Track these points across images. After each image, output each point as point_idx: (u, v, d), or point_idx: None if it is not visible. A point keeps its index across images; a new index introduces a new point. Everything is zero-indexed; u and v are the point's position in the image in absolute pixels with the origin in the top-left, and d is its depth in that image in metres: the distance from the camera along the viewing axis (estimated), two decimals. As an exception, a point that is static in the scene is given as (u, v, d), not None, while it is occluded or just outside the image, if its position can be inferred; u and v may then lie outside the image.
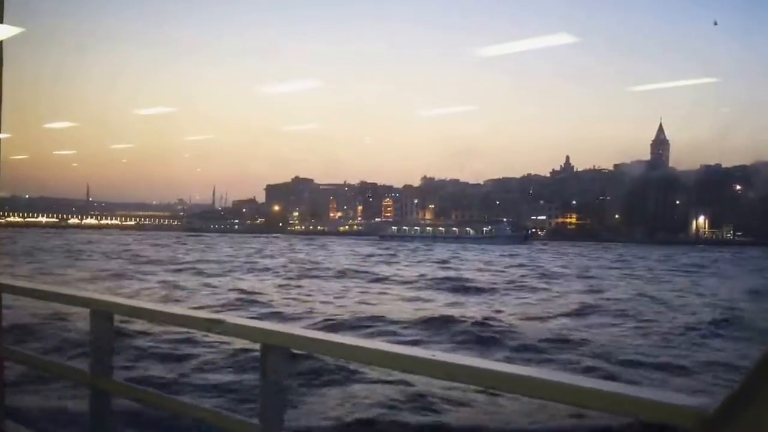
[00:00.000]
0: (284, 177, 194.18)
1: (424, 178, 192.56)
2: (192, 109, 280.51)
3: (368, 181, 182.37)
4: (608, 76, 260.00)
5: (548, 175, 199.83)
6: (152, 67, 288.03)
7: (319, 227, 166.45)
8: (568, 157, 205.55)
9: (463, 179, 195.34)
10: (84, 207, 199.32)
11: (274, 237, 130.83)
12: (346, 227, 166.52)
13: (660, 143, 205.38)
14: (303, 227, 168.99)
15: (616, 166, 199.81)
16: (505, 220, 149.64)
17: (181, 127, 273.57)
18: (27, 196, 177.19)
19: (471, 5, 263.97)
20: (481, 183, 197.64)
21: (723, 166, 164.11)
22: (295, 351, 2.56)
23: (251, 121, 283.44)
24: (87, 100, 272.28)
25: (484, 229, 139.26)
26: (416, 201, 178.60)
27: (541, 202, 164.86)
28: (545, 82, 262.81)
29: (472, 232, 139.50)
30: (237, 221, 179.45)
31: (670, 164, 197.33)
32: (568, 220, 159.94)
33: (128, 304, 3.30)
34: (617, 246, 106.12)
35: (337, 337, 2.44)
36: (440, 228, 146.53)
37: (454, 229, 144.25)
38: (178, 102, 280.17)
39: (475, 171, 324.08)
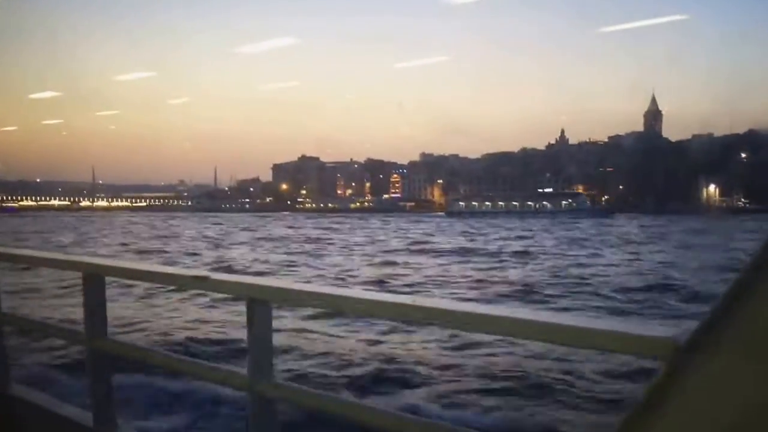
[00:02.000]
0: (282, 156, 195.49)
1: (423, 154, 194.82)
2: (185, 89, 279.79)
3: (374, 158, 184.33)
4: (581, 21, 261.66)
5: (543, 148, 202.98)
6: (148, 45, 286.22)
7: (330, 205, 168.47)
8: (563, 131, 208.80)
9: (462, 154, 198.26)
10: (91, 189, 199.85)
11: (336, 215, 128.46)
12: (357, 204, 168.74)
13: (653, 114, 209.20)
14: (314, 205, 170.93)
15: (610, 137, 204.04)
16: (584, 193, 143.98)
17: (178, 108, 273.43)
18: (38, 180, 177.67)
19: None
20: (479, 157, 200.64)
21: (715, 135, 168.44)
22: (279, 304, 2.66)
23: (245, 106, 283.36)
24: (72, 71, 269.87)
25: (563, 202, 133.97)
26: (412, 176, 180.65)
27: (547, 174, 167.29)
28: (526, 37, 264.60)
29: (549, 206, 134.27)
30: (248, 200, 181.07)
31: (663, 134, 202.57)
32: (575, 191, 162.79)
33: (118, 266, 3.41)
34: (659, 218, 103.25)
35: (320, 288, 2.56)
36: (514, 203, 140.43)
37: (530, 203, 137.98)
38: (177, 84, 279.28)
39: (465, 146, 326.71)
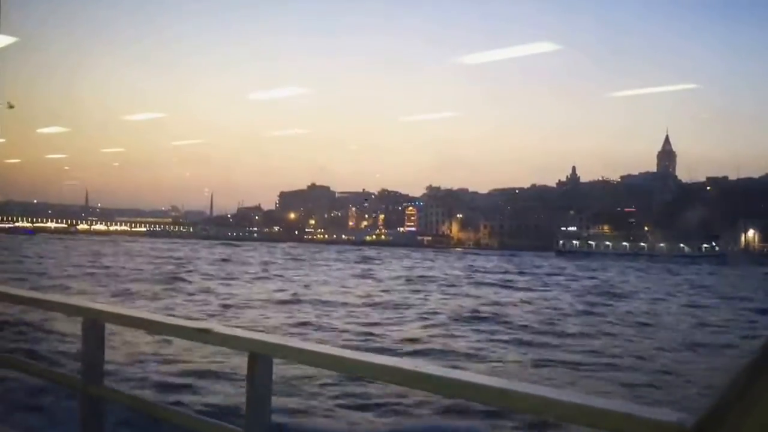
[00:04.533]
0: (282, 185, 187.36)
1: (430, 187, 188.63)
2: (183, 116, 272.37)
3: (389, 189, 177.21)
4: (590, 84, 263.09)
5: (554, 185, 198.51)
6: (145, 75, 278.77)
7: (343, 236, 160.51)
8: (574, 168, 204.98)
9: (471, 188, 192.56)
10: (83, 212, 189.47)
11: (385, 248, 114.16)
12: (373, 237, 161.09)
13: (666, 154, 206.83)
14: (326, 236, 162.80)
15: (623, 177, 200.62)
16: (719, 237, 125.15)
17: (172, 134, 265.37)
18: (35, 201, 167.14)
19: (456, 16, 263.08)
20: (486, 192, 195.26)
21: (729, 178, 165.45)
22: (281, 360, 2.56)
23: (241, 129, 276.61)
24: (80, 107, 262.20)
25: (703, 246, 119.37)
26: (435, 210, 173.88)
27: (571, 212, 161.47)
28: (533, 92, 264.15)
29: (687, 249, 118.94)
30: (255, 229, 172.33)
31: (676, 176, 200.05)
32: (601, 231, 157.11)
33: (119, 312, 3.35)
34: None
35: (324, 347, 2.49)
36: (642, 244, 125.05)
37: (661, 245, 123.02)
38: (170, 109, 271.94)
39: (471, 180, 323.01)
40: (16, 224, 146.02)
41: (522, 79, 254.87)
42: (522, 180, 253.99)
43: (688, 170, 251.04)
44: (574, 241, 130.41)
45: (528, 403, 1.80)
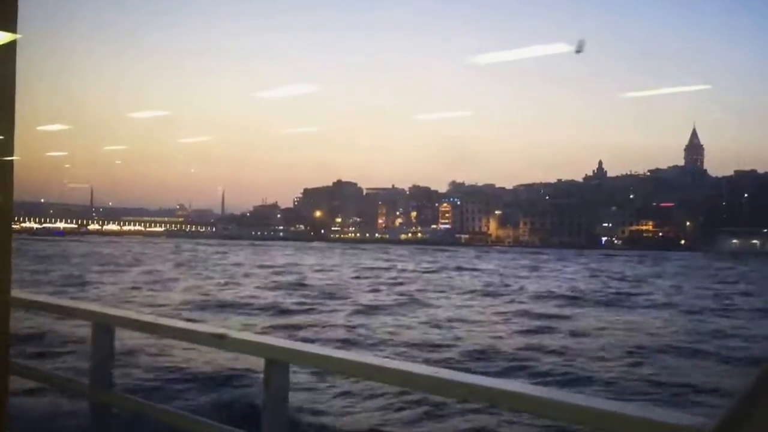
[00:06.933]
0: (291, 184, 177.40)
1: (453, 182, 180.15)
2: (190, 113, 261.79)
3: (420, 185, 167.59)
4: (605, 84, 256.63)
5: (581, 180, 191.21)
6: (153, 73, 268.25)
7: (376, 235, 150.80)
8: (600, 162, 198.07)
9: (497, 185, 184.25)
10: (87, 212, 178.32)
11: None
12: (409, 235, 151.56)
13: (694, 148, 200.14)
14: (357, 235, 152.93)
15: (651, 171, 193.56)
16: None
17: (178, 132, 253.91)
18: (42, 200, 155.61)
19: (470, 15, 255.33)
20: (510, 188, 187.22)
21: (759, 171, 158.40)
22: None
23: (250, 128, 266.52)
24: (85, 105, 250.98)
25: None
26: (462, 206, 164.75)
27: (613, 208, 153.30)
28: (551, 91, 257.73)
29: None
30: (281, 228, 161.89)
31: (705, 170, 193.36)
32: (644, 227, 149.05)
33: (130, 317, 3.28)
34: None
35: (340, 353, 2.46)
36: None
37: None
38: (177, 106, 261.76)
39: (493, 176, 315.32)
40: (23, 224, 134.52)
41: (539, 78, 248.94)
42: (543, 175, 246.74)
43: (714, 163, 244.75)
44: (734, 240, 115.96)
45: (539, 405, 1.79)
